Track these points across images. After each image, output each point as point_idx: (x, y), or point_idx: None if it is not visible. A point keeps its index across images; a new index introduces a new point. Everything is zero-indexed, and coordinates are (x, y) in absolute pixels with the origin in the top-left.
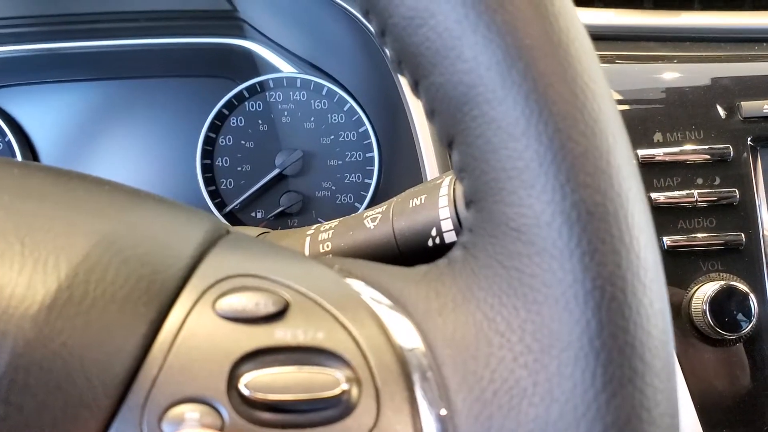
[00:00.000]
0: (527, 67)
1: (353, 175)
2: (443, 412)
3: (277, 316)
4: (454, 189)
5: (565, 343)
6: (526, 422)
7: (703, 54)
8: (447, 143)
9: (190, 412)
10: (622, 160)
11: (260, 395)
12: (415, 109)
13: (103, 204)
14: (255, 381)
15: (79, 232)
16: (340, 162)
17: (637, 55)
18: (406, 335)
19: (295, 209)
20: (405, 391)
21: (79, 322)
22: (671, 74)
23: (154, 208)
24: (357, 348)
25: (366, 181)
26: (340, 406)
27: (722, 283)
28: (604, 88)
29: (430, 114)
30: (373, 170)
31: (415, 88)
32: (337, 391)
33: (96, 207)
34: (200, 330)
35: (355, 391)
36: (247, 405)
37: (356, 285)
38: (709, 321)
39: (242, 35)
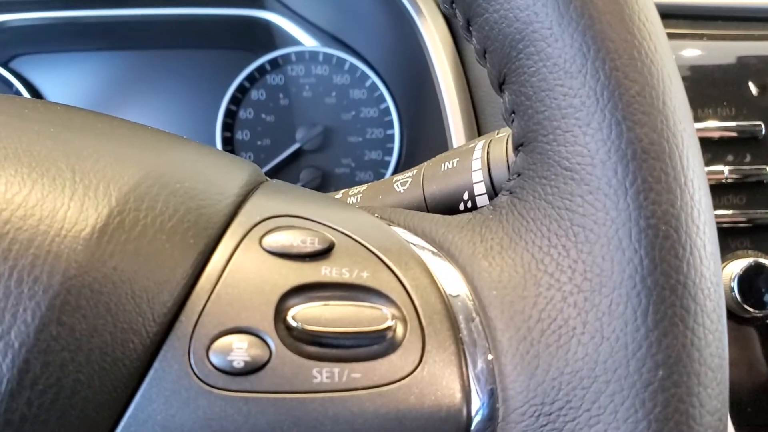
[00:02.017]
0: (584, 4)
1: (373, 152)
2: (489, 356)
3: (323, 254)
4: (488, 152)
5: (616, 281)
6: (574, 361)
7: (733, 32)
8: (498, 84)
9: (238, 341)
10: (678, 102)
11: (307, 327)
12: (445, 84)
13: (148, 141)
14: (302, 313)
15: (127, 163)
16: (360, 138)
17: (666, 32)
18: (451, 280)
19: (314, 185)
20: (450, 331)
21: (130, 248)
22: (701, 52)
23: (197, 149)
24: (402, 288)
25: (386, 158)
26: (385, 343)
27: (750, 260)
28: (659, 29)
29: (482, 53)
30: (393, 147)
31: (467, 27)
32: (383, 326)
33: (142, 143)
34: (248, 264)
35: (400, 329)
36: (294, 338)
37: (399, 231)
38: (736, 298)
39: (263, 6)
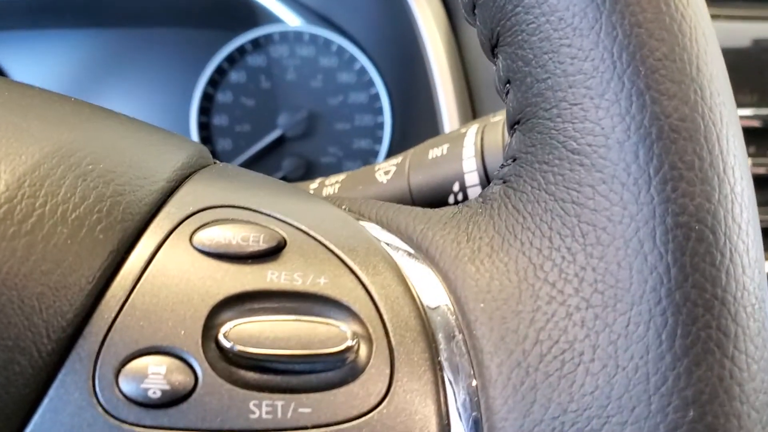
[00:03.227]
0: None
1: (362, 140)
2: (474, 383)
3: (270, 254)
4: (482, 138)
5: (636, 295)
6: (581, 396)
7: (752, 13)
8: (490, 47)
9: (155, 365)
10: (716, 68)
11: (244, 348)
12: (438, 66)
13: (63, 113)
14: (238, 330)
15: (30, 139)
16: (348, 125)
17: None
18: (429, 287)
19: (297, 174)
20: (426, 353)
21: (20, 245)
22: (717, 34)
23: (126, 124)
24: (368, 298)
25: (376, 147)
26: (344, 368)
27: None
28: None
29: (471, 8)
30: (383, 136)
31: None
32: (341, 348)
33: (54, 115)
34: (173, 266)
35: (363, 350)
36: (227, 360)
37: (369, 227)
38: None
39: None
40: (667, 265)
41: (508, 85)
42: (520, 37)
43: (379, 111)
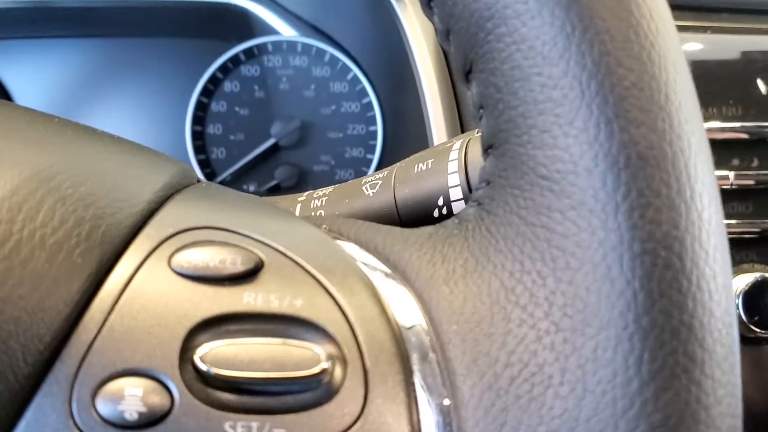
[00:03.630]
0: None
1: (355, 149)
2: (446, 402)
3: (247, 276)
4: (466, 153)
5: (603, 320)
6: (550, 418)
7: (740, 26)
8: (464, 72)
9: (132, 387)
10: (684, 96)
11: (220, 371)
12: (426, 77)
13: (46, 135)
14: (215, 353)
15: (10, 163)
16: (340, 134)
17: None
18: (405, 308)
19: (290, 183)
20: (400, 374)
21: None
22: (705, 46)
23: (109, 145)
24: (343, 319)
25: (368, 156)
26: (319, 389)
27: (757, 275)
28: (662, 6)
29: (445, 35)
30: (375, 145)
31: (428, 4)
32: (316, 370)
33: (37, 137)
34: (151, 288)
35: (338, 372)
36: (204, 383)
37: (347, 247)
38: (741, 316)
39: None
40: (634, 291)
41: (481, 110)
42: (492, 65)
43: (371, 120)
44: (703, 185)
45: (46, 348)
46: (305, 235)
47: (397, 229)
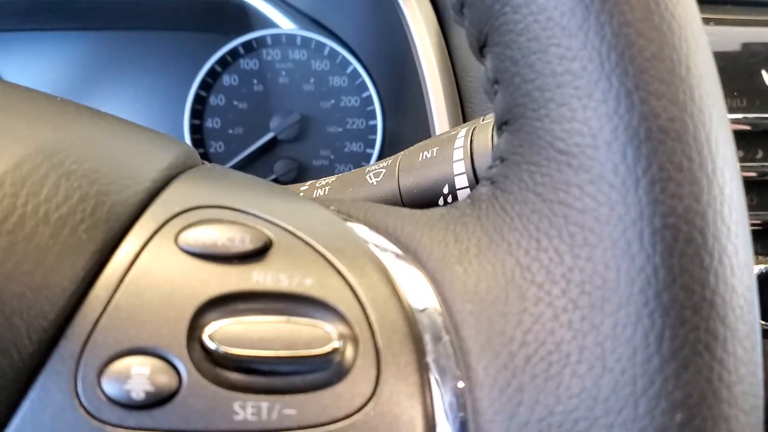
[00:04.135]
0: None
1: (354, 143)
2: (460, 383)
3: (256, 255)
4: (471, 141)
5: (623, 297)
6: (567, 397)
7: (744, 17)
8: (478, 47)
9: (139, 366)
10: (705, 69)
11: (229, 349)
12: (429, 70)
13: (48, 112)
14: (223, 332)
15: (12, 137)
16: (340, 129)
17: None
18: (417, 288)
19: (289, 177)
20: (413, 354)
21: (0, 244)
22: (708, 38)
23: (113, 124)
24: (354, 299)
25: (368, 150)
26: (329, 369)
27: (761, 267)
28: None
29: (459, 8)
30: (375, 139)
31: None
32: (327, 349)
33: (39, 114)
34: (157, 266)
35: (349, 352)
36: (212, 362)
37: (357, 228)
38: None
39: None
40: (654, 267)
41: (496, 85)
42: (508, 37)
43: (371, 114)
44: (724, 160)
45: (51, 325)
46: (314, 216)
47: (407, 210)
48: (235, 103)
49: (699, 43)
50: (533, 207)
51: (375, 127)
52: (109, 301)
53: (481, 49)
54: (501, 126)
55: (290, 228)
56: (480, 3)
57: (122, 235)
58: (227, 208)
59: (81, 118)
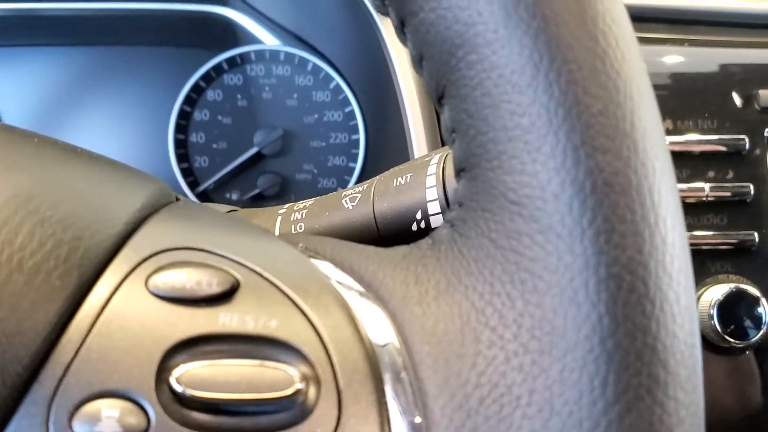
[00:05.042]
0: (537, 3)
1: (337, 157)
2: (418, 419)
3: (223, 298)
4: (444, 167)
5: (570, 342)
6: None
7: (717, 39)
8: (437, 97)
9: (108, 408)
10: (649, 123)
11: (196, 392)
12: (406, 87)
13: (24, 156)
14: (190, 374)
15: None
16: (323, 143)
17: (644, 37)
18: (378, 328)
19: (272, 192)
20: (373, 395)
21: None
22: (682, 58)
23: (87, 165)
24: (318, 340)
25: (350, 164)
26: (293, 410)
27: (732, 286)
28: (628, 34)
29: (418, 61)
30: (358, 153)
31: (401, 30)
32: (289, 391)
33: (15, 159)
34: (128, 310)
35: (312, 392)
36: (180, 403)
37: (322, 266)
38: (716, 327)
39: (222, 2)
40: (599, 314)
41: (453, 134)
42: (463, 91)
43: (354, 129)
44: (667, 210)
45: (25, 370)
46: (281, 255)
47: (372, 249)
48: (219, 118)
49: (644, 98)
50: (488, 252)
51: (357, 141)
52: (81, 345)
53: (439, 100)
54: (459, 172)
55: (257, 269)
56: (437, 57)
57: (95, 279)
58: (196, 250)
59: (56, 160)
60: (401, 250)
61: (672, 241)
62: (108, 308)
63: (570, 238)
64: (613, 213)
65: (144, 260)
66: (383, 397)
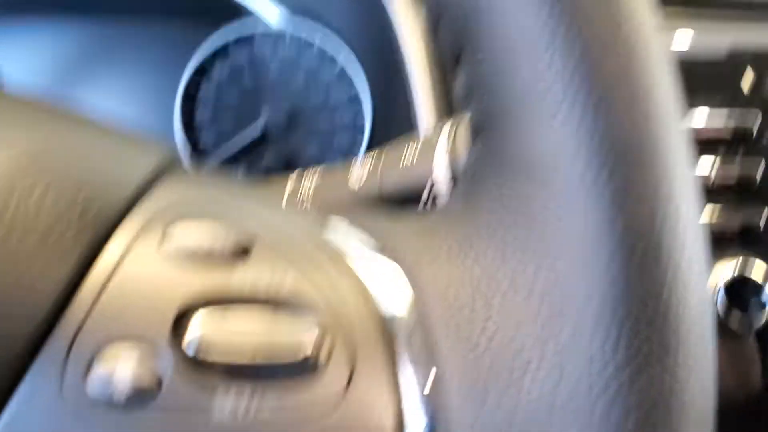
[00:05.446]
0: None
1: (343, 136)
2: (429, 382)
3: (237, 258)
4: (452, 141)
5: (581, 307)
6: (527, 402)
7: (726, 21)
8: (452, 60)
9: (122, 365)
10: (665, 89)
11: (211, 347)
12: (415, 63)
13: (34, 119)
14: (205, 330)
15: (1, 146)
16: (329, 123)
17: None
18: (390, 291)
19: (278, 170)
20: (385, 354)
21: None
22: (690, 40)
23: (99, 130)
24: (330, 301)
25: (356, 144)
26: (305, 369)
27: (736, 267)
28: (646, 2)
29: (434, 24)
30: (363, 132)
31: None
32: (303, 350)
33: (25, 121)
34: (141, 268)
35: (324, 350)
36: (193, 362)
37: (333, 230)
38: (720, 310)
39: None
40: (612, 279)
41: (467, 99)
42: (479, 55)
43: (360, 108)
44: (681, 178)
45: (39, 327)
46: (292, 220)
47: (383, 217)
48: (225, 96)
49: (661, 64)
50: (500, 218)
51: (363, 121)
52: (94, 303)
53: (455, 63)
54: (472, 138)
55: (268, 233)
56: (454, 20)
57: (107, 239)
58: (209, 211)
59: (67, 124)
60: (413, 217)
61: (686, 210)
62: (122, 266)
63: (584, 202)
64: (628, 179)
65: (157, 220)
66: (395, 357)
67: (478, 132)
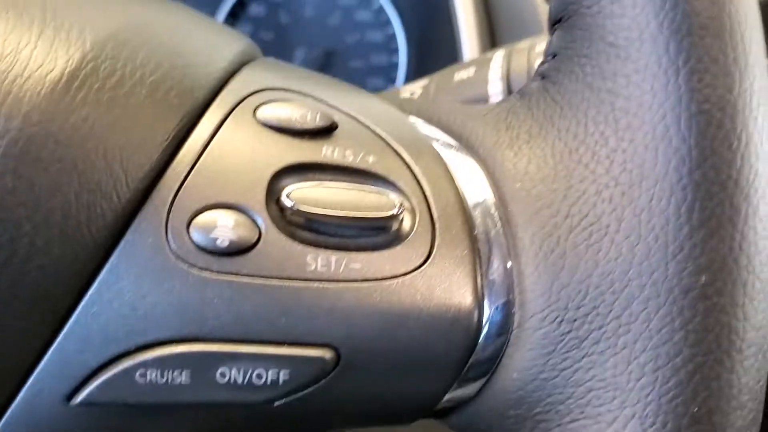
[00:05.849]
0: None
1: (377, 78)
2: (507, 256)
3: (324, 132)
4: (508, 62)
5: (660, 173)
6: (605, 262)
7: None
8: None
9: (224, 218)
10: None
11: (303, 208)
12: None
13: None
14: (298, 193)
15: (110, 11)
16: (363, 64)
17: None
18: (469, 171)
19: None
20: (464, 225)
21: (104, 98)
22: None
23: (190, 12)
24: (412, 176)
25: (390, 87)
26: (390, 233)
27: None
28: None
29: None
30: (397, 75)
31: None
32: (388, 213)
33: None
34: (239, 135)
35: (408, 220)
36: (287, 220)
37: (412, 118)
38: None
39: None
40: (689, 148)
41: None
42: None
43: (396, 51)
44: (755, 57)
45: (145, 176)
46: (373, 104)
47: (459, 104)
48: (262, 33)
49: None
50: (582, 96)
51: (398, 63)
52: (196, 161)
53: None
54: (554, 24)
55: (353, 113)
56: None
57: (206, 106)
58: (296, 92)
59: (159, 5)
60: (489, 105)
61: (759, 86)
62: (220, 132)
63: (665, 77)
64: (707, 54)
65: (250, 94)
66: (474, 229)
67: (561, 17)
